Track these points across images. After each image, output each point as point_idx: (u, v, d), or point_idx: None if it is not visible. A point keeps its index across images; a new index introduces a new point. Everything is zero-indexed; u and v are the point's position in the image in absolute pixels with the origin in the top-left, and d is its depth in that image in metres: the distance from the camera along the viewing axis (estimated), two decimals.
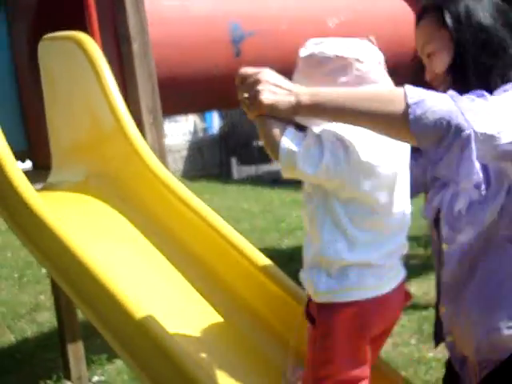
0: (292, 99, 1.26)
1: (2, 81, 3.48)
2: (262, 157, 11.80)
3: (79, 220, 2.13)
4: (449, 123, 1.19)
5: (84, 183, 2.36)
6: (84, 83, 2.30)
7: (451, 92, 1.26)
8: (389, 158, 1.30)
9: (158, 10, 3.12)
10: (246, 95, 1.28)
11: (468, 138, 1.19)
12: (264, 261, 1.84)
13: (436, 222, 1.58)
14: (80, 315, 3.78)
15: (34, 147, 3.45)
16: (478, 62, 1.45)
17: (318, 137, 1.26)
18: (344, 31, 3.82)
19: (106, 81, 2.19)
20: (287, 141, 1.23)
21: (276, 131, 1.26)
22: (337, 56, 1.28)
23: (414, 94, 1.22)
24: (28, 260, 6.78)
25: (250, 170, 11.78)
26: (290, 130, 1.26)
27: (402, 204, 1.35)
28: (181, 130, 12.79)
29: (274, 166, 11.23)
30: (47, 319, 4.95)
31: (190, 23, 3.20)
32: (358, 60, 1.27)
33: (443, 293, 1.58)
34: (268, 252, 6.15)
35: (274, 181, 10.62)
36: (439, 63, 1.50)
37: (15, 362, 4.29)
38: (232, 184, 11.08)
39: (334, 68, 1.28)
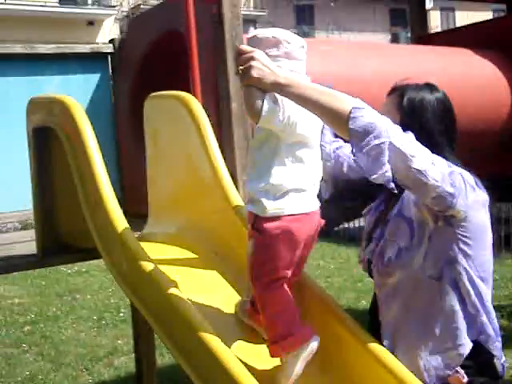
0: (273, 78, 1.61)
1: (103, 130, 3.67)
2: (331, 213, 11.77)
3: (173, 271, 2.18)
4: (375, 128, 1.57)
5: (179, 235, 2.42)
6: (186, 139, 2.39)
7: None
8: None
9: None
10: (241, 67, 1.64)
11: (384, 143, 1.56)
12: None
13: (370, 271, 1.93)
14: (158, 363, 3.84)
15: (127, 196, 3.58)
16: None
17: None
18: None
19: (208, 139, 2.26)
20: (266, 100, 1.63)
21: (257, 96, 1.62)
22: (272, 36, 1.69)
23: (360, 103, 1.62)
24: (107, 303, 6.95)
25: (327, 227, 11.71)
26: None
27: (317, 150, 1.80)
28: None
29: (350, 224, 11.15)
30: (124, 364, 5.02)
31: None
32: (286, 40, 1.69)
33: (383, 330, 1.87)
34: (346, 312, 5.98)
35: (351, 239, 10.54)
36: None
37: None
38: None
39: (268, 44, 1.68)
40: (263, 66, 1.61)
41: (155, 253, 2.28)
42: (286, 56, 1.70)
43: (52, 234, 2.44)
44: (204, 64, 2.85)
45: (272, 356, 1.73)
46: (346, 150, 2.07)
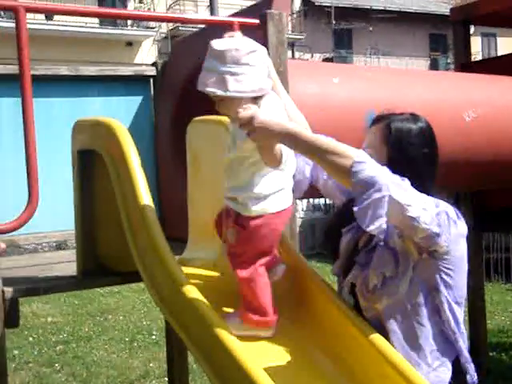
0: (278, 132, 1.74)
1: (143, 153, 3.66)
2: None
3: (214, 297, 2.15)
4: (375, 182, 1.65)
5: (219, 261, 2.39)
6: None
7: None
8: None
9: (299, 96, 3.20)
10: (247, 132, 1.77)
11: (384, 196, 1.65)
12: None
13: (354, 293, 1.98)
14: None
15: (166, 219, 3.56)
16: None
17: None
18: (480, 125, 3.78)
19: None
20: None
21: (271, 149, 1.78)
22: (220, 47, 1.85)
23: (361, 156, 1.69)
24: (139, 324, 6.94)
25: None
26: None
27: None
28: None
29: None
30: None
31: (328, 109, 3.26)
32: (235, 48, 1.83)
33: None
34: None
35: None
36: None
37: None
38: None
39: (215, 55, 1.87)
40: (266, 125, 1.73)
41: (195, 278, 2.25)
42: (234, 62, 1.81)
43: (92, 256, 2.43)
44: None
45: (242, 320, 1.88)
46: None
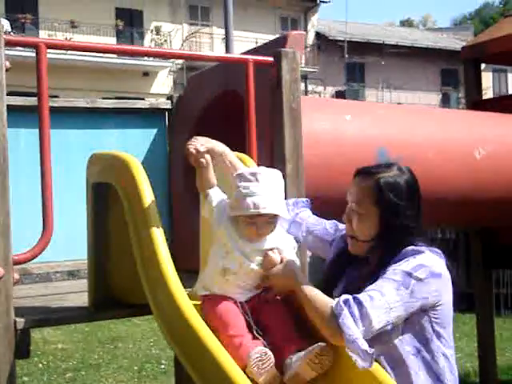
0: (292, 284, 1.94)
1: (156, 184, 3.72)
2: None
3: None
4: (344, 333, 1.75)
5: None
6: None
7: (342, 305, 1.78)
8: None
9: (310, 131, 3.26)
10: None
11: (353, 341, 1.74)
12: None
13: None
14: None
15: (178, 250, 3.60)
16: (394, 239, 1.93)
17: None
18: (490, 163, 3.81)
19: None
20: None
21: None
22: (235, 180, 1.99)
23: (339, 311, 1.78)
24: (148, 353, 6.95)
25: None
26: None
27: None
28: None
29: None
30: None
31: (340, 146, 3.31)
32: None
33: None
34: None
35: None
36: (360, 228, 1.96)
37: None
38: None
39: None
40: (277, 281, 1.95)
41: None
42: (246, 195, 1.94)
43: (103, 288, 2.46)
44: (260, 125, 2.90)
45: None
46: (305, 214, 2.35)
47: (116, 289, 2.47)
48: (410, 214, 1.92)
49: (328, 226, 2.26)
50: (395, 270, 1.86)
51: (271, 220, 1.97)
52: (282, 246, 2.02)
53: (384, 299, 1.80)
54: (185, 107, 3.73)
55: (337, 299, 1.83)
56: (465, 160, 3.68)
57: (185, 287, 1.98)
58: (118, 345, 7.36)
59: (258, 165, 2.79)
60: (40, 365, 6.60)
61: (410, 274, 1.84)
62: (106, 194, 2.40)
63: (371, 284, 1.88)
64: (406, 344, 1.89)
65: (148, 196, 2.12)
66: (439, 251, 1.97)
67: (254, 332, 1.92)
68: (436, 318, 1.91)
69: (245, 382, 1.69)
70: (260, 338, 1.91)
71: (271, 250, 1.98)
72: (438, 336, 1.93)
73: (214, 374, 1.76)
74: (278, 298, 2.02)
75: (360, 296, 1.80)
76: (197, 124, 3.62)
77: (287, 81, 2.83)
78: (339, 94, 25.87)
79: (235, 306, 1.96)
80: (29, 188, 3.15)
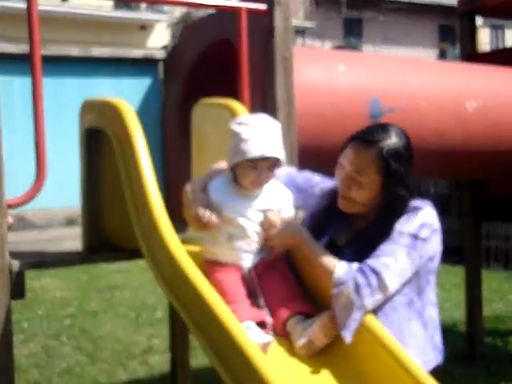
0: (292, 241, 2.01)
1: (150, 134, 3.75)
2: None
3: None
4: (351, 301, 1.82)
5: None
6: None
7: (358, 275, 1.85)
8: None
9: (303, 82, 3.27)
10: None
11: (361, 315, 1.84)
12: None
13: None
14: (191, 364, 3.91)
15: (172, 197, 3.66)
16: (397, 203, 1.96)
17: None
18: (482, 116, 3.83)
19: None
20: None
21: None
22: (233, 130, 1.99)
23: (339, 273, 1.86)
24: (144, 301, 7.08)
25: None
26: None
27: None
28: None
29: None
30: (159, 363, 5.11)
31: (333, 96, 3.32)
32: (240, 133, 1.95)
33: None
34: None
35: None
36: (359, 194, 1.96)
37: None
38: None
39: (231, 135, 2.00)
40: (281, 241, 2.00)
41: (197, 257, 2.33)
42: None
43: (97, 233, 2.52)
44: (253, 74, 2.91)
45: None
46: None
47: (109, 233, 2.52)
48: (410, 177, 1.96)
49: (300, 181, 2.24)
50: (402, 233, 1.91)
51: (271, 167, 1.98)
52: (280, 204, 2.04)
53: (398, 266, 1.88)
54: (178, 57, 3.73)
55: (346, 264, 1.88)
56: (457, 112, 3.70)
57: (178, 234, 2.04)
58: (115, 293, 7.50)
59: (250, 111, 2.83)
60: (39, 311, 6.73)
61: (416, 236, 1.91)
62: (99, 140, 2.44)
63: (367, 239, 1.96)
64: (401, 295, 1.94)
65: (140, 142, 2.15)
66: (430, 202, 2.03)
67: (258, 300, 1.95)
68: (430, 269, 1.99)
69: (235, 325, 1.75)
70: (261, 305, 1.93)
71: (270, 210, 2.01)
72: (429, 285, 2.00)
73: (205, 316, 1.82)
74: (279, 258, 2.03)
75: (374, 265, 1.86)
76: (190, 74, 3.63)
77: (280, 29, 2.84)
78: (337, 49, 25.61)
79: (236, 273, 1.97)
80: (23, 136, 3.19)
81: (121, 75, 3.72)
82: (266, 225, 1.99)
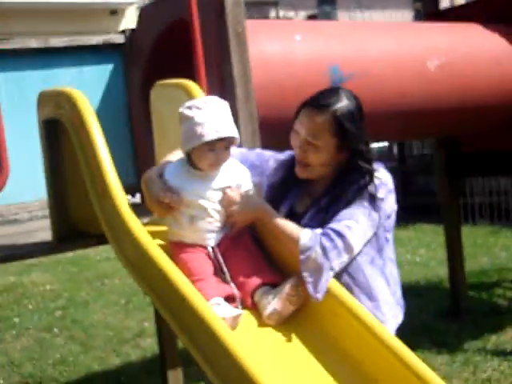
0: (253, 216, 2.03)
1: (117, 119, 3.78)
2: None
3: None
4: (322, 271, 1.87)
5: None
6: None
7: (323, 239, 1.90)
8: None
9: (260, 54, 3.29)
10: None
11: (329, 277, 1.89)
12: None
13: None
14: (180, 344, 3.96)
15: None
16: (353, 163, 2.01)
17: None
18: (445, 73, 3.87)
19: None
20: None
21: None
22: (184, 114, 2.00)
23: (305, 240, 1.90)
24: (134, 287, 7.09)
25: None
26: None
27: None
28: None
29: None
30: (150, 345, 5.17)
31: (291, 66, 3.35)
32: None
33: None
34: None
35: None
36: (316, 158, 2.01)
37: None
38: None
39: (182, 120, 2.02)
40: (242, 216, 2.01)
41: (162, 237, 2.36)
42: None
43: (66, 222, 2.55)
44: (208, 51, 2.93)
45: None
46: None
47: (77, 221, 2.56)
48: (363, 137, 2.00)
49: (254, 158, 2.26)
50: (361, 195, 1.96)
51: (228, 146, 2.00)
52: (238, 180, 2.06)
53: (360, 226, 1.94)
54: (138, 40, 3.73)
55: (310, 231, 1.92)
56: (418, 71, 3.73)
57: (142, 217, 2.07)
58: (105, 282, 7.53)
59: (209, 92, 2.85)
60: (30, 306, 6.76)
61: (373, 197, 1.97)
62: (57, 129, 2.46)
63: (325, 203, 2.01)
64: (362, 254, 2.00)
65: (95, 127, 2.17)
66: (383, 164, 2.09)
67: (224, 275, 1.97)
68: (388, 227, 2.05)
69: (196, 295, 1.79)
70: (227, 280, 1.96)
71: (229, 187, 2.02)
72: (387, 242, 2.07)
73: (169, 294, 1.84)
74: (244, 233, 2.05)
75: (337, 228, 1.91)
76: (150, 57, 3.63)
77: (230, 5, 2.85)
78: (311, 18, 25.47)
79: (201, 252, 1.99)
80: None
81: (82, 63, 3.72)
82: (226, 202, 2.01)
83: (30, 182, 3.43)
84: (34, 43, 3.60)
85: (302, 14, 25.97)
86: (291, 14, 25.57)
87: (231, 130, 1.97)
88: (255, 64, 3.13)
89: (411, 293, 6.04)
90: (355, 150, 1.99)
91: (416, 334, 4.84)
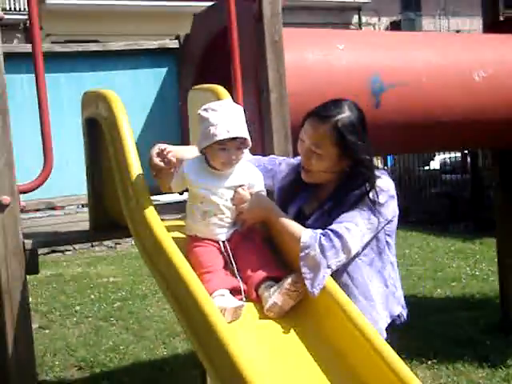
0: (263, 215, 2.16)
1: (169, 121, 3.98)
2: (435, 203, 11.64)
3: None
4: (319, 270, 1.98)
5: None
6: None
7: (323, 238, 2.00)
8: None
9: (302, 62, 3.41)
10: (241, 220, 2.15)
11: (326, 274, 1.99)
12: None
13: None
14: None
15: None
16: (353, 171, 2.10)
17: None
18: (491, 84, 3.85)
19: None
20: None
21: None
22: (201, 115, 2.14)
23: (305, 239, 2.01)
24: None
25: (421, 215, 11.63)
26: None
27: None
28: None
29: (442, 215, 11.01)
30: None
31: (332, 75, 3.44)
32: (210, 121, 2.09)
33: None
34: (417, 299, 6.08)
35: (444, 229, 10.49)
36: (319, 165, 2.11)
37: (163, 374, 4.73)
38: (399, 229, 10.99)
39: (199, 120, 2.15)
40: (251, 214, 2.12)
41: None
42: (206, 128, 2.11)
43: (102, 213, 2.74)
44: (247, 58, 3.07)
45: None
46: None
47: (111, 213, 2.74)
48: (364, 147, 2.08)
49: (266, 162, 2.39)
50: (362, 200, 2.06)
51: (240, 146, 2.11)
52: (250, 180, 2.18)
53: (358, 229, 2.04)
54: (190, 45, 3.92)
55: (311, 230, 2.04)
56: (463, 83, 3.74)
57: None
58: None
59: (244, 94, 3.00)
60: (92, 296, 7.11)
61: (374, 202, 2.06)
62: (96, 128, 2.65)
63: (329, 207, 2.12)
64: (362, 256, 2.11)
65: (126, 128, 2.33)
66: (386, 171, 2.20)
67: (232, 269, 2.09)
68: (389, 231, 2.15)
69: (197, 283, 1.92)
70: (235, 273, 2.08)
71: (241, 186, 2.15)
72: (389, 246, 2.16)
73: (175, 281, 1.98)
74: (255, 231, 2.17)
75: (337, 229, 2.02)
76: (200, 61, 3.80)
77: (268, 14, 2.98)
78: (394, 25, 25.24)
79: (213, 247, 2.12)
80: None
81: (138, 67, 3.93)
82: (237, 200, 2.13)
83: (80, 176, 3.67)
84: (93, 47, 3.85)
85: (385, 19, 25.80)
86: (374, 19, 25.45)
87: (242, 131, 2.10)
88: (296, 71, 3.25)
89: (463, 306, 6.00)
90: (356, 159, 2.08)
91: (460, 347, 4.83)
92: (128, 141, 2.31)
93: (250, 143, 2.15)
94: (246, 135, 2.11)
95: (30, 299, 7.18)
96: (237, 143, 2.10)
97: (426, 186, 11.85)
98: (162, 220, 2.18)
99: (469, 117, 3.79)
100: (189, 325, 1.93)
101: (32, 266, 2.63)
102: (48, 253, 9.79)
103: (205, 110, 2.14)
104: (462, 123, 3.80)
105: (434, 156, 12.83)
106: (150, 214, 2.16)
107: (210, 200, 2.13)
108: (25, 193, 2.69)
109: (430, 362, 4.57)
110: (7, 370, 2.68)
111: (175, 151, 2.20)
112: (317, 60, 3.44)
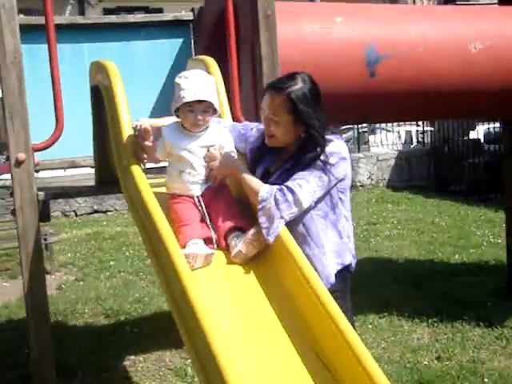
0: (230, 169, 2.44)
1: None
2: (472, 174, 11.64)
3: None
4: (272, 213, 2.27)
5: None
6: None
7: (277, 193, 2.29)
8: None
9: (301, 34, 3.64)
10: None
11: (280, 224, 2.27)
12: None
13: None
14: None
15: None
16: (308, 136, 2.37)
17: None
18: (488, 56, 3.99)
19: (220, 95, 2.75)
20: None
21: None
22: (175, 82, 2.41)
23: (263, 193, 2.31)
24: None
25: (459, 185, 11.67)
26: None
27: None
28: (390, 140, 13.12)
29: (482, 186, 11.02)
30: None
31: (329, 46, 3.67)
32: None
33: None
34: (432, 263, 6.26)
35: (481, 200, 10.53)
36: (277, 130, 2.40)
37: None
38: (434, 198, 11.11)
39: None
40: (219, 171, 2.41)
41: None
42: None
43: (106, 171, 3.07)
44: (245, 32, 3.34)
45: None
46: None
47: (114, 171, 3.07)
48: (317, 115, 2.36)
49: (240, 128, 2.68)
50: (315, 161, 2.34)
51: (207, 110, 2.40)
52: (221, 141, 2.47)
53: (310, 185, 2.33)
54: (203, 18, 4.19)
55: (269, 186, 2.33)
56: (458, 53, 3.89)
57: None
58: None
59: (239, 64, 3.27)
60: (127, 253, 7.57)
61: (325, 163, 2.35)
62: (101, 94, 2.96)
63: (289, 166, 2.41)
64: (317, 209, 2.40)
65: (119, 88, 2.62)
66: (341, 136, 2.49)
67: (206, 221, 2.39)
68: (341, 188, 2.44)
69: (167, 230, 2.23)
70: (209, 225, 2.37)
71: (212, 146, 2.44)
72: (342, 201, 2.45)
73: (152, 228, 2.28)
74: (225, 186, 2.47)
75: (291, 185, 2.31)
76: (211, 33, 4.07)
77: None
78: None
79: (189, 202, 2.42)
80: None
81: (154, 37, 4.23)
82: (208, 158, 2.44)
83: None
84: (114, 19, 4.17)
85: None
86: None
87: (208, 96, 2.38)
88: (293, 42, 3.49)
89: (476, 271, 6.16)
90: (308, 124, 2.36)
91: (463, 308, 5.03)
92: (121, 105, 2.62)
93: (218, 109, 2.44)
94: (212, 99, 2.39)
95: (69, 255, 7.72)
96: (203, 106, 2.38)
97: (465, 155, 11.81)
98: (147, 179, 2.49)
99: (463, 87, 3.96)
100: (160, 270, 2.24)
101: (44, 215, 3.00)
102: (91, 213, 10.32)
103: (179, 77, 2.43)
104: (456, 93, 3.97)
105: (475, 126, 12.74)
106: (137, 172, 2.47)
107: (185, 159, 2.42)
108: (38, 151, 3.05)
109: (430, 321, 4.81)
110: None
111: (147, 121, 2.51)
112: (314, 32, 3.67)
